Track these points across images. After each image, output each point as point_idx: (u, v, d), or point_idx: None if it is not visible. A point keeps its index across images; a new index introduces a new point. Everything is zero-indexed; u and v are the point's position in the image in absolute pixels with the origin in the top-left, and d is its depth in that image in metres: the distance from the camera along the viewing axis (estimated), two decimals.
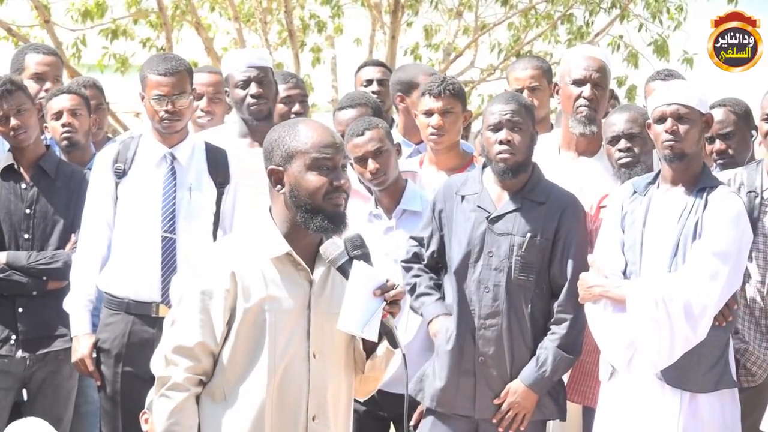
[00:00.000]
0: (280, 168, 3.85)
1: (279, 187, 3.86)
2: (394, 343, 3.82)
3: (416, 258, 5.37)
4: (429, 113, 5.73)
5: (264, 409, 3.77)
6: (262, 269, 3.82)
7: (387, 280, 3.77)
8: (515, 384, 5.11)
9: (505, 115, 5.15)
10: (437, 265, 5.34)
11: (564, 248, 5.13)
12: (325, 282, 3.87)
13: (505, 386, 5.12)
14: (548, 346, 5.10)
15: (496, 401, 5.12)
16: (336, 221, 3.81)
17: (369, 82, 7.00)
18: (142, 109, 5.76)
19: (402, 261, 5.37)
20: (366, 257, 3.80)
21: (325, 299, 3.85)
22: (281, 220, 3.87)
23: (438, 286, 5.31)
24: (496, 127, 5.16)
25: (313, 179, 3.81)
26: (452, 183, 5.35)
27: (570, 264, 5.11)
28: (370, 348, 3.91)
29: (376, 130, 5.51)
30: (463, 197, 5.25)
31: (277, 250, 3.84)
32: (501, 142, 5.13)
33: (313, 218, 3.81)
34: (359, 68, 7.28)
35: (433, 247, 5.31)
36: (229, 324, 3.79)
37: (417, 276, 5.34)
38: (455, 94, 5.75)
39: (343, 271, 3.79)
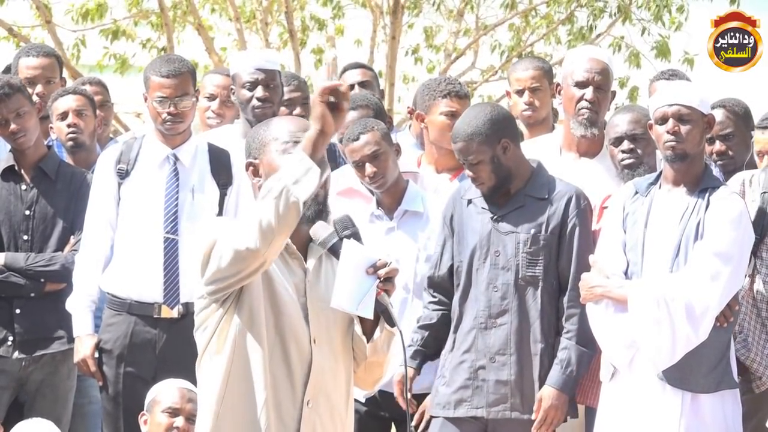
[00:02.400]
0: (256, 160, 3.84)
1: (257, 179, 3.83)
2: (390, 322, 3.78)
3: (430, 284, 5.36)
4: (455, 115, 5.72)
5: (265, 389, 3.72)
6: None
7: (379, 258, 3.73)
8: (546, 390, 5.10)
9: (460, 154, 5.18)
10: (451, 281, 5.32)
11: (569, 242, 5.14)
12: (318, 271, 3.85)
13: (515, 384, 5.13)
14: (568, 345, 5.11)
15: (534, 416, 5.10)
16: (313, 207, 3.74)
17: (350, 87, 6.97)
18: (142, 109, 5.78)
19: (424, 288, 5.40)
20: (356, 236, 3.76)
21: (320, 288, 3.82)
22: None
23: (428, 327, 5.31)
24: (462, 163, 5.23)
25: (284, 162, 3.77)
26: (460, 188, 5.37)
27: (574, 257, 5.13)
28: (369, 333, 3.87)
29: (371, 133, 5.50)
30: (469, 201, 5.26)
31: None
32: (471, 177, 5.19)
33: None
34: (341, 73, 7.27)
35: (447, 255, 5.30)
36: (229, 315, 3.74)
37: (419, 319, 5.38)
38: (469, 98, 5.86)
39: (335, 251, 3.75)
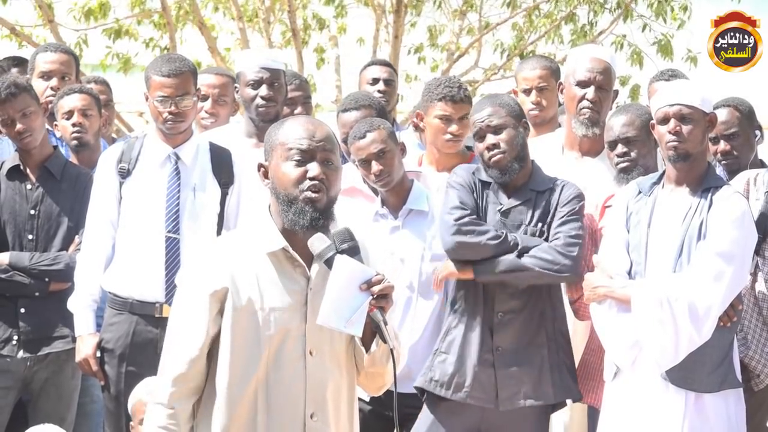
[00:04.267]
0: (266, 162, 3.87)
1: (266, 181, 3.86)
2: (383, 338, 3.76)
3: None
4: (449, 119, 5.73)
5: (257, 406, 3.76)
6: (257, 266, 3.80)
7: (376, 273, 3.72)
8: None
9: (483, 121, 5.20)
10: None
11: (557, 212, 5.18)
12: (323, 279, 3.81)
13: (522, 376, 5.14)
14: (541, 246, 5.10)
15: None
16: (310, 213, 3.77)
17: (375, 80, 7.00)
18: (145, 108, 5.78)
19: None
20: (352, 251, 3.74)
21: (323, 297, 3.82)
22: (277, 216, 3.85)
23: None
24: (480, 135, 5.21)
25: (287, 169, 3.79)
26: (470, 167, 5.37)
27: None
28: (367, 344, 3.86)
29: (378, 131, 5.51)
30: (483, 183, 5.28)
31: (272, 245, 3.82)
32: (488, 148, 5.18)
33: (288, 209, 3.78)
34: (365, 67, 7.28)
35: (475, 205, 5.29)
36: (224, 322, 3.77)
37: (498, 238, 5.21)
38: (469, 100, 5.82)
39: (331, 265, 3.74)
